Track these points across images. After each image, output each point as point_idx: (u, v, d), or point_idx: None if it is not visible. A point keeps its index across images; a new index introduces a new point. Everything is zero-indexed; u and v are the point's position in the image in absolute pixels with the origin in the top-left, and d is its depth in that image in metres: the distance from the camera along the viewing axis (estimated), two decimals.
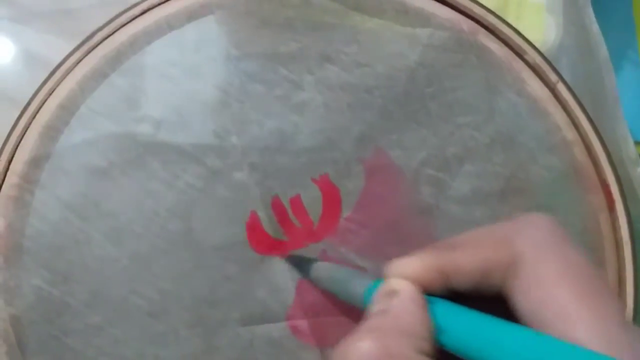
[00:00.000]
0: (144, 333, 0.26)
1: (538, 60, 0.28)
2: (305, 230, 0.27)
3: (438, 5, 0.28)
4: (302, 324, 0.27)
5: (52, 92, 0.27)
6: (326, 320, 0.27)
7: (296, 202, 0.27)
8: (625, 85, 0.40)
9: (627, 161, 0.33)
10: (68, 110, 0.27)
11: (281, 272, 0.27)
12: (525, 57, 0.28)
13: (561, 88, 0.28)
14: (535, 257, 0.20)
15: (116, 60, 0.27)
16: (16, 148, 0.26)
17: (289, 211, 0.27)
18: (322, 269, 0.26)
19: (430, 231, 0.27)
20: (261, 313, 0.27)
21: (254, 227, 0.27)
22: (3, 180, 0.26)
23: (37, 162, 0.26)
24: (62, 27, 0.32)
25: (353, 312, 0.27)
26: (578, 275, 0.19)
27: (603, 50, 0.33)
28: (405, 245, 0.27)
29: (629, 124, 0.35)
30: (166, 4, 0.28)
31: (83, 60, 0.27)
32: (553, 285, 0.19)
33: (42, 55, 0.31)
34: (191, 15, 0.28)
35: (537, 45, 0.28)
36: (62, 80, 0.27)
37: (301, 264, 0.27)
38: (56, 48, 0.29)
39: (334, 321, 0.27)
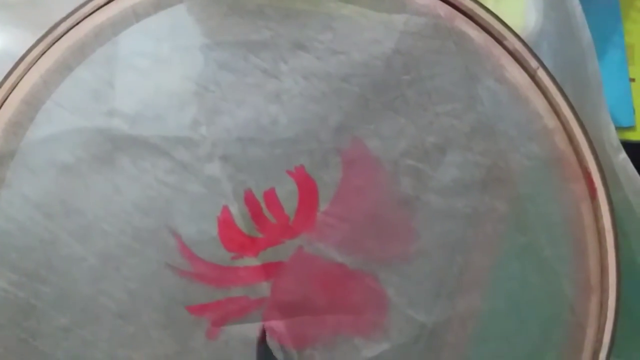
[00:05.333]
0: (114, 335, 0.25)
1: (518, 46, 0.28)
2: (280, 225, 0.26)
3: None
4: (278, 324, 0.26)
5: (15, 86, 0.26)
6: (302, 320, 0.26)
7: (270, 196, 0.26)
8: (609, 70, 0.40)
9: (609, 148, 0.32)
10: (32, 105, 0.26)
11: (255, 272, 0.26)
12: (505, 43, 0.28)
13: (542, 74, 0.28)
14: None
15: (81, 52, 0.26)
16: None
17: (263, 206, 0.26)
18: None
19: (410, 223, 0.27)
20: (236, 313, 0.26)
21: (226, 224, 0.26)
22: None
23: (1, 160, 0.26)
24: (27, 18, 0.31)
25: (329, 312, 0.26)
26: None
27: (586, 35, 0.33)
28: (386, 238, 0.27)
29: (612, 109, 0.34)
30: None
31: (46, 53, 0.26)
32: None
33: (6, 48, 0.30)
34: (159, 4, 0.27)
35: (517, 30, 0.28)
36: (24, 74, 0.26)
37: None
38: (21, 40, 0.28)
39: (310, 321, 0.26)
